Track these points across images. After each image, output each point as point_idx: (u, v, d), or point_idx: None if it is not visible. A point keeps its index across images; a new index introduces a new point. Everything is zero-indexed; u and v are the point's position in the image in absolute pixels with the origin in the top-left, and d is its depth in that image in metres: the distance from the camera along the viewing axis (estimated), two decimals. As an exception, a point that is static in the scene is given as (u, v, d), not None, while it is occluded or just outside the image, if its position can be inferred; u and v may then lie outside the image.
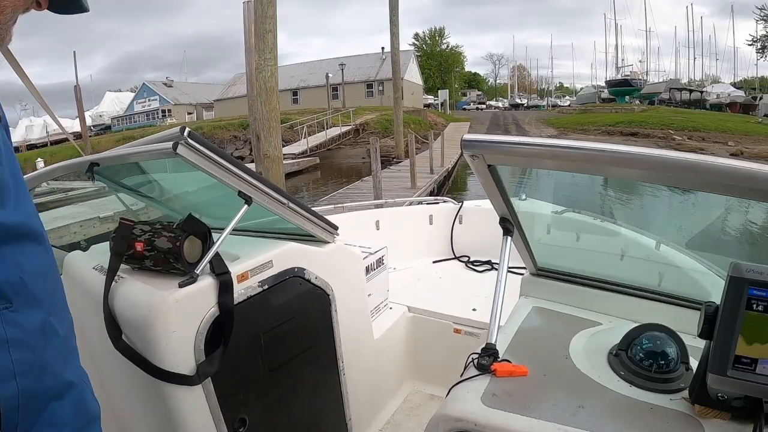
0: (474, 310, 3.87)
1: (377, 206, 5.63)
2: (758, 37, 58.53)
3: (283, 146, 25.64)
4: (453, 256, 5.23)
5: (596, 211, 2.73)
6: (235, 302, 2.21)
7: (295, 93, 58.90)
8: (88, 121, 65.10)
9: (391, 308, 3.89)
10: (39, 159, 24.51)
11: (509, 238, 2.10)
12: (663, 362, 1.67)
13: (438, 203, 5.63)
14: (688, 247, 2.48)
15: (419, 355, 3.95)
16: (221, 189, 2.21)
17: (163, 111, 68.71)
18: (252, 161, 25.23)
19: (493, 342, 1.81)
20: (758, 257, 2.37)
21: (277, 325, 2.48)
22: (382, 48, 59.42)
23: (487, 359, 1.74)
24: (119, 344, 2.12)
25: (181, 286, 2.07)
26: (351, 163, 32.40)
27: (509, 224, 2.09)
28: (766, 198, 1.39)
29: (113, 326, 2.15)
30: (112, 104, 72.92)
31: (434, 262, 5.15)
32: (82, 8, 1.42)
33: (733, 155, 28.75)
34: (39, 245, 1.23)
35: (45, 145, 45.34)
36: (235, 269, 2.26)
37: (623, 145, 1.43)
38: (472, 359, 1.78)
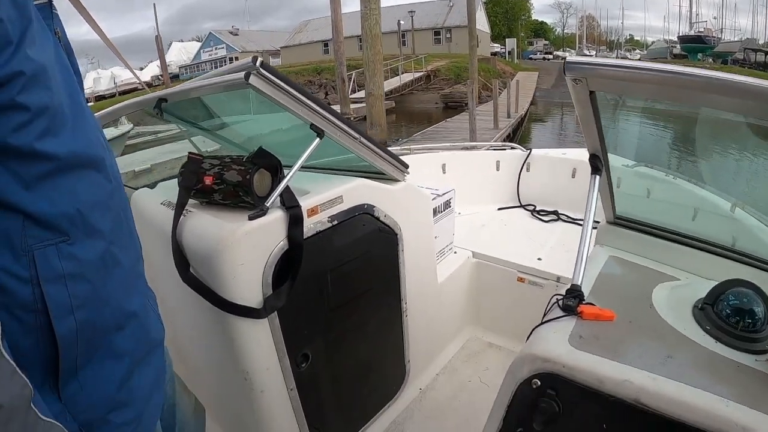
0: (539, 259, 3.78)
1: (443, 149, 5.51)
2: None
3: (360, 89, 29.31)
4: (519, 204, 5.12)
5: (672, 168, 2.61)
6: (305, 237, 2.19)
7: (360, 39, 58.16)
8: (156, 71, 66.11)
9: (455, 252, 3.84)
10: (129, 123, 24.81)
11: (597, 177, 2.00)
12: (750, 321, 1.60)
13: (505, 149, 5.51)
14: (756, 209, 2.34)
15: (481, 302, 3.92)
16: (292, 124, 2.19)
17: (231, 59, 69.16)
18: (329, 104, 25.80)
19: (578, 284, 1.75)
20: None
21: (345, 263, 2.45)
22: None
23: (573, 300, 1.69)
24: (187, 276, 2.12)
25: (250, 218, 2.05)
26: (424, 107, 32.82)
27: (599, 162, 2.00)
28: None
29: (181, 259, 2.15)
30: (179, 54, 73.69)
31: (499, 209, 5.06)
32: None
33: None
34: (99, 173, 1.21)
35: (113, 95, 45.92)
36: (305, 203, 2.23)
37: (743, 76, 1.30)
38: (557, 300, 1.73)
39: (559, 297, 1.72)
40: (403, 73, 39.51)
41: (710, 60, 64.42)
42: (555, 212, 4.79)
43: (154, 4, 50.50)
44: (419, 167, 4.51)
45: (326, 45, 59.91)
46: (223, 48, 71.92)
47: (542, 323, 1.64)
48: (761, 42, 75.69)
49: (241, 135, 3.20)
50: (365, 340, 2.72)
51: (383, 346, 2.91)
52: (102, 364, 1.22)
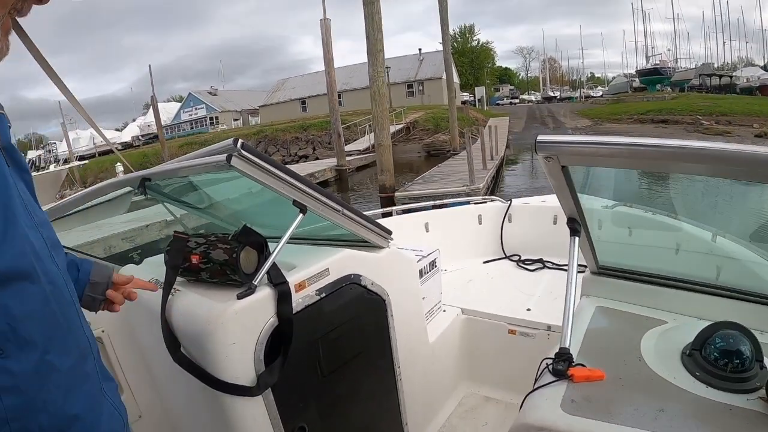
0: (528, 310, 3.75)
1: (425, 208, 5.56)
2: None
3: (347, 144, 30.81)
4: (504, 256, 5.10)
5: (649, 205, 2.60)
6: (294, 312, 2.16)
7: (339, 95, 58.96)
8: (136, 131, 66.28)
9: (444, 311, 3.81)
10: (118, 164, 24.72)
11: (577, 238, 2.03)
12: (738, 361, 1.60)
13: (486, 202, 5.50)
14: (751, 240, 2.33)
15: (474, 357, 3.86)
16: (274, 198, 2.17)
17: (211, 119, 69.62)
18: (316, 158, 33.55)
19: (566, 346, 1.74)
20: None
21: (335, 333, 2.43)
22: (419, 49, 61.77)
23: (562, 364, 1.67)
24: (177, 356, 2.09)
25: (239, 297, 2.03)
26: (407, 157, 33.22)
27: (577, 224, 2.02)
28: None
29: (172, 339, 2.13)
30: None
31: (485, 262, 5.03)
32: None
33: (757, 136, 31.73)
34: (32, 283, 1.18)
35: (93, 156, 45.96)
36: (292, 279, 2.21)
37: (709, 141, 1.35)
38: (547, 365, 1.71)
39: (549, 361, 1.70)
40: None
41: (668, 89, 66.86)
42: (540, 260, 4.77)
43: (150, 66, 51.06)
44: (403, 228, 4.60)
45: (304, 103, 60.80)
46: (202, 108, 72.39)
47: (534, 390, 1.62)
48: (717, 65, 78.05)
49: (225, 210, 3.19)
50: (361, 406, 2.68)
51: (379, 410, 2.85)
52: None
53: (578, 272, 2.18)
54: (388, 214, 5.19)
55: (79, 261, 1.70)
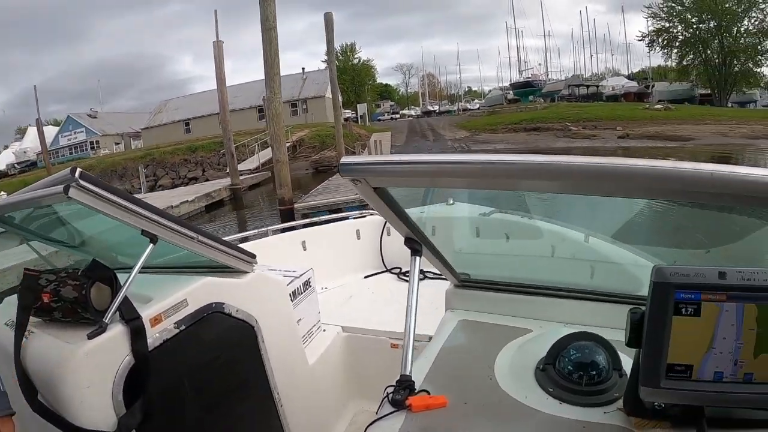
0: None
1: (303, 226, 5.43)
2: (647, 33, 61.98)
3: (238, 163, 31.10)
4: (384, 269, 5.07)
5: (525, 209, 2.59)
6: (151, 347, 2.05)
7: (266, 118, 58.75)
8: (11, 158, 63.19)
9: (324, 330, 3.73)
10: (2, 192, 23.31)
11: (417, 258, 1.98)
12: (594, 372, 1.57)
13: (364, 216, 5.45)
14: (615, 238, 2.35)
15: (360, 374, 3.78)
16: (126, 227, 2.03)
17: (91, 143, 67.10)
18: (206, 180, 34.43)
19: (407, 373, 1.70)
20: (685, 243, 2.26)
21: (203, 365, 2.33)
22: (303, 68, 62.16)
23: (401, 393, 1.62)
24: (35, 405, 1.93)
25: (90, 337, 1.90)
26: (295, 174, 32.42)
27: (416, 243, 1.96)
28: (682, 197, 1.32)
29: (28, 386, 1.97)
30: (35, 139, 70.38)
31: (365, 277, 4.97)
32: None
33: (620, 137, 35.71)
34: None
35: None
36: (147, 312, 2.10)
37: (521, 155, 1.28)
38: (387, 393, 1.66)
39: (391, 389, 1.65)
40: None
41: (540, 100, 71.38)
42: (421, 271, 4.58)
43: (35, 86, 48.86)
44: (279, 248, 4.51)
45: (187, 124, 59.89)
46: (82, 131, 69.48)
47: (373, 422, 1.57)
48: (587, 76, 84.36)
49: (78, 239, 3.00)
50: None
51: None
52: None
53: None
54: (264, 234, 5.02)
55: None
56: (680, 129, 38.04)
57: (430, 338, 3.26)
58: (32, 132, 72.26)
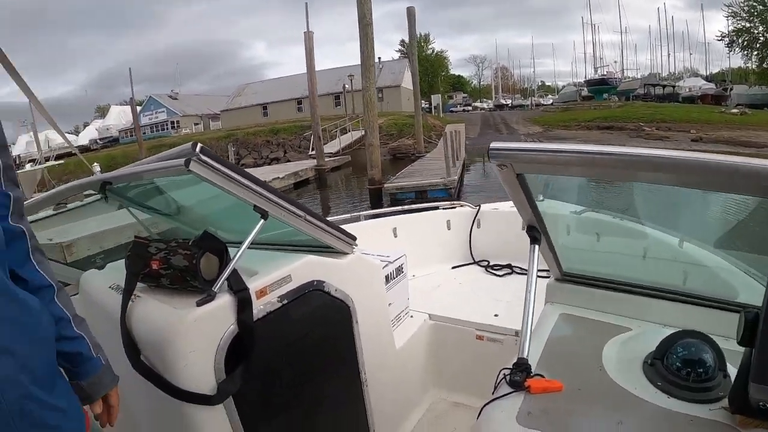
0: (496, 315, 3.71)
1: (394, 213, 5.44)
2: (727, 33, 59.13)
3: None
4: (472, 261, 5.04)
5: (616, 210, 2.57)
6: (255, 318, 2.12)
7: (299, 102, 59.97)
8: (94, 135, 65.16)
9: (412, 316, 3.76)
10: (96, 164, 24.05)
11: (537, 246, 2.01)
12: (701, 370, 1.57)
13: (455, 207, 5.43)
14: (716, 246, 2.31)
15: (442, 363, 3.80)
16: (237, 203, 2.12)
17: (172, 122, 68.79)
18: (287, 161, 36.64)
19: (525, 356, 1.72)
20: None
21: (298, 340, 2.39)
22: (379, 58, 62.62)
23: (519, 375, 1.64)
24: (138, 365, 2.04)
25: (198, 304, 1.99)
26: None
27: (536, 232, 2.00)
28: None
29: (131, 347, 2.08)
30: (118, 117, 73.15)
31: (453, 267, 4.97)
32: None
33: (693, 141, 34.43)
34: None
35: (47, 159, 45.41)
36: (253, 285, 2.17)
37: (659, 149, 1.36)
38: (504, 375, 1.68)
39: (507, 371, 1.68)
40: (348, 132, 43.12)
41: (615, 98, 69.81)
42: (509, 266, 4.74)
43: (130, 69, 50.38)
44: (370, 233, 4.54)
45: (265, 108, 61.17)
46: (163, 112, 71.59)
47: (490, 401, 1.61)
48: (664, 75, 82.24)
49: (189, 214, 3.14)
50: (326, 414, 2.64)
51: (346, 419, 2.82)
52: None
53: (543, 278, 2.13)
54: (356, 219, 5.11)
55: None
56: (756, 135, 35.66)
57: (516, 332, 3.29)
58: (114, 110, 74.78)
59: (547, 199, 2.26)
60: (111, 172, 2.44)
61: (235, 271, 2.11)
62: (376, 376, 2.92)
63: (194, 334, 1.95)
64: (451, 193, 19.02)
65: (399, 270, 3.59)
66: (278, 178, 25.73)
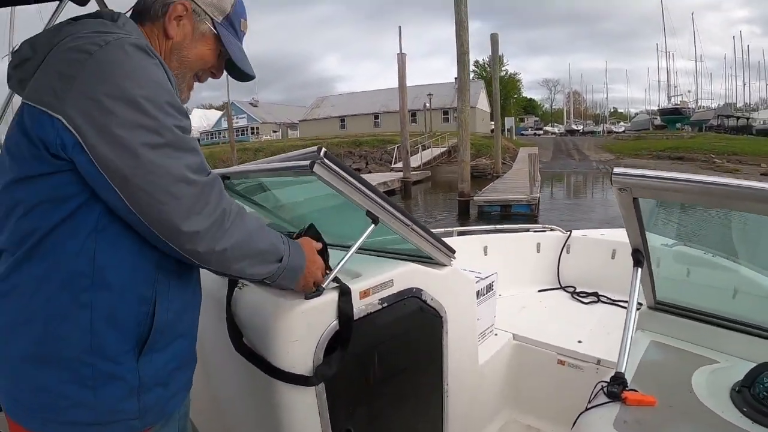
0: (580, 342, 3.70)
1: (486, 231, 5.49)
2: None
3: (397, 162, 37.67)
4: (559, 286, 5.04)
5: (709, 246, 2.55)
6: (356, 317, 2.23)
7: (376, 117, 62.52)
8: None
9: (496, 335, 3.81)
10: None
11: (639, 269, 2.08)
12: None
13: (545, 231, 5.46)
14: None
15: (520, 384, 3.83)
16: (341, 207, 2.28)
17: (252, 129, 70.31)
18: (369, 172, 37.79)
19: (622, 371, 1.82)
20: None
21: (391, 342, 2.49)
22: (455, 78, 61.49)
23: (617, 387, 1.74)
24: (241, 347, 2.19)
25: (307, 298, 2.08)
26: (452, 177, 34.89)
27: (641, 255, 2.08)
28: None
29: (235, 329, 2.24)
30: (199, 120, 75.83)
31: (540, 291, 4.97)
32: (249, 77, 1.97)
33: (763, 174, 34.08)
34: None
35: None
36: (358, 286, 2.28)
37: None
38: (602, 387, 1.78)
39: (604, 384, 1.79)
40: (427, 149, 45.13)
41: (688, 128, 72.95)
42: (595, 294, 4.70)
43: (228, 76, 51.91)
44: (461, 249, 4.56)
45: (343, 120, 62.00)
46: (243, 118, 73.39)
47: (588, 409, 1.70)
48: (740, 105, 78.47)
49: (294, 214, 3.25)
50: (405, 417, 2.71)
51: (424, 423, 2.88)
52: None
53: (623, 308, 2.16)
54: (449, 234, 5.16)
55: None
56: None
57: (599, 360, 3.32)
58: (196, 113, 77.04)
59: (648, 231, 2.29)
60: (231, 168, 2.58)
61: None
62: (457, 387, 2.97)
63: (300, 325, 2.06)
64: (533, 209, 21.32)
65: (489, 287, 3.66)
66: None
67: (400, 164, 36.45)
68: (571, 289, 4.89)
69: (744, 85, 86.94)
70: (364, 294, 2.30)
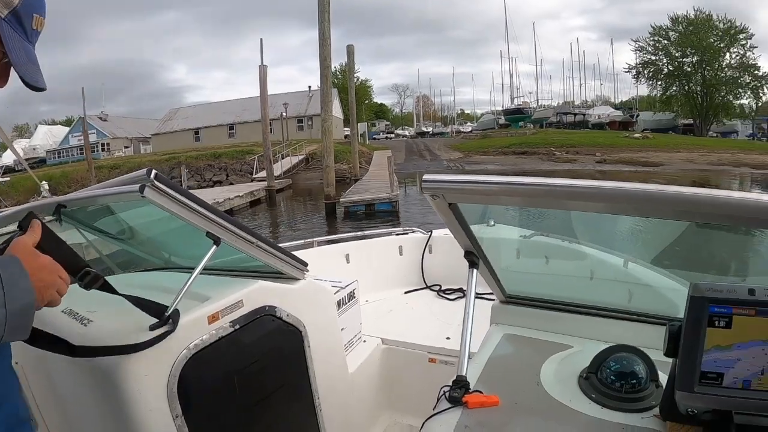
0: (448, 338, 3.77)
1: (346, 239, 5.51)
2: (633, 65, 65.44)
3: (258, 172, 37.83)
4: (424, 286, 5.10)
5: (564, 233, 2.65)
6: (208, 343, 2.14)
7: (231, 127, 60.80)
8: (21, 154, 62.84)
9: (364, 341, 3.80)
10: (44, 182, 22.89)
11: (475, 270, 2.06)
12: (634, 381, 1.67)
13: (407, 233, 5.53)
14: (653, 264, 2.42)
15: (395, 387, 3.84)
16: (189, 228, 2.11)
17: (102, 145, 67.08)
18: (230, 184, 37.88)
19: (463, 374, 1.78)
20: (722, 270, 2.29)
21: (251, 365, 2.40)
22: (309, 87, 66.70)
23: (458, 391, 1.70)
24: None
25: (152, 329, 1.93)
26: (312, 183, 38.03)
27: (474, 257, 2.06)
28: (722, 220, 1.41)
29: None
30: (45, 137, 71.71)
31: (406, 292, 5.02)
32: (35, 88, 1.48)
33: (598, 162, 40.26)
34: None
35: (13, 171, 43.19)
36: (205, 310, 2.18)
37: (584, 180, 1.44)
38: (444, 392, 1.74)
39: (447, 388, 1.74)
40: (285, 157, 44.69)
41: (530, 125, 75.71)
42: (460, 290, 4.78)
43: (83, 88, 49.17)
44: (323, 259, 4.62)
45: (197, 133, 60.88)
46: (93, 133, 69.64)
47: (430, 417, 1.65)
48: (577, 103, 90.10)
49: (141, 238, 3.12)
50: None
51: None
52: None
53: (491, 300, 2.15)
54: (309, 245, 5.12)
55: None
56: (654, 156, 42.24)
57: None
58: (42, 130, 72.93)
59: (498, 224, 2.31)
60: (66, 195, 2.42)
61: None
62: (329, 401, 2.94)
63: (147, 358, 1.92)
64: (394, 206, 22.78)
65: (351, 296, 3.64)
66: (239, 196, 28.70)
67: (261, 174, 37.26)
68: (437, 288, 4.96)
69: (581, 85, 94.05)
70: (213, 318, 2.19)
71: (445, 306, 4.59)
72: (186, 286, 2.08)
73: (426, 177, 1.61)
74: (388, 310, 4.53)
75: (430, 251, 5.22)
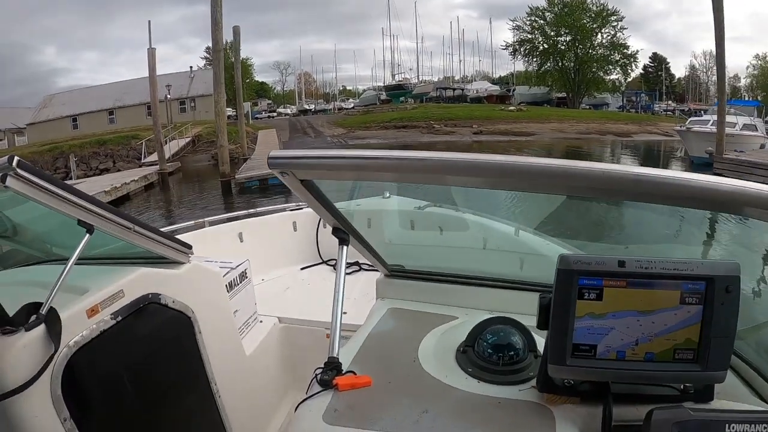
0: (345, 313, 3.54)
1: (239, 218, 5.33)
2: (511, 43, 73.58)
3: (147, 156, 36.87)
4: (320, 261, 5.05)
5: (459, 203, 2.58)
6: (88, 339, 2.00)
7: (111, 112, 57.51)
8: None
9: (261, 322, 3.72)
10: None
11: (345, 247, 2.00)
12: (511, 353, 1.67)
13: (301, 208, 5.40)
14: (541, 232, 2.39)
15: (297, 366, 3.78)
16: (62, 217, 1.94)
17: (-32, 139, 62.33)
18: (117, 170, 36.40)
19: (335, 355, 1.73)
20: (610, 239, 2.31)
21: (141, 357, 2.29)
22: (191, 67, 66.13)
23: (329, 374, 1.65)
24: None
25: (27, 329, 1.76)
26: (200, 165, 37.68)
27: (343, 233, 1.99)
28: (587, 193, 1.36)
29: None
30: None
31: (302, 268, 4.95)
32: None
33: (475, 133, 43.21)
34: None
35: None
36: (83, 304, 2.04)
37: (441, 153, 1.34)
38: (315, 375, 1.68)
39: (319, 371, 1.68)
40: (172, 140, 43.08)
41: (411, 101, 78.19)
42: (356, 263, 4.71)
43: None
44: (216, 240, 4.49)
45: (75, 120, 56.88)
46: (-43, 126, 64.62)
47: (303, 401, 1.59)
48: (457, 78, 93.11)
49: (22, 232, 2.81)
50: (182, 429, 2.53)
51: (202, 430, 2.73)
52: None
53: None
54: (201, 226, 4.87)
55: None
56: (527, 127, 45.94)
57: None
58: None
59: (393, 196, 2.24)
60: None
61: None
62: (228, 386, 2.86)
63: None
64: None
65: (243, 276, 3.56)
66: (134, 180, 27.84)
67: (149, 158, 36.44)
68: (333, 262, 4.90)
69: (460, 61, 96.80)
70: (93, 311, 2.05)
71: None
72: (60, 280, 1.93)
73: (272, 153, 1.48)
74: (285, 288, 4.48)
75: (325, 226, 5.08)
